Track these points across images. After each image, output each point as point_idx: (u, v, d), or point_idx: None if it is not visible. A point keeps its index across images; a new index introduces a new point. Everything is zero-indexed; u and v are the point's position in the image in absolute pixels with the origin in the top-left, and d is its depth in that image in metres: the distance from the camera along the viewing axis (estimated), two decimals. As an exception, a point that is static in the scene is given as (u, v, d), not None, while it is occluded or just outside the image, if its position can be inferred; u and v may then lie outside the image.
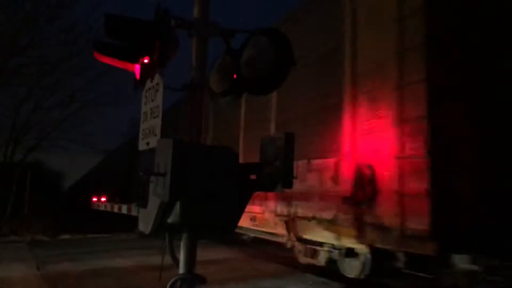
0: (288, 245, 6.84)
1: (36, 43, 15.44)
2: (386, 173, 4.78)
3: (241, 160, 2.77)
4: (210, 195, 2.53)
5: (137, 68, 3.02)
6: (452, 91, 4.52)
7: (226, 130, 9.38)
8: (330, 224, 5.58)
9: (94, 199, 17.44)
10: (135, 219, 9.34)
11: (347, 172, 5.39)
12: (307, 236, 6.33)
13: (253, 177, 2.84)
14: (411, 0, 4.74)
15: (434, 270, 5.11)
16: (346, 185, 5.38)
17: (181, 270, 2.74)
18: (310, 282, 6.47)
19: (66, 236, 13.22)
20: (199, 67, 2.92)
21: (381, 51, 5.05)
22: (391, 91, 4.81)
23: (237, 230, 8.32)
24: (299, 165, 6.16)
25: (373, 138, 5.04)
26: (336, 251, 6.00)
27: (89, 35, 14.78)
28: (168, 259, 2.86)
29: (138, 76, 3.04)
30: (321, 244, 6.29)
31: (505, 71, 4.94)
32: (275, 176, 2.70)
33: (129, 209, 12.78)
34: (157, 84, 2.97)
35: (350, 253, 5.79)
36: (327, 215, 5.61)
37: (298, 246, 6.71)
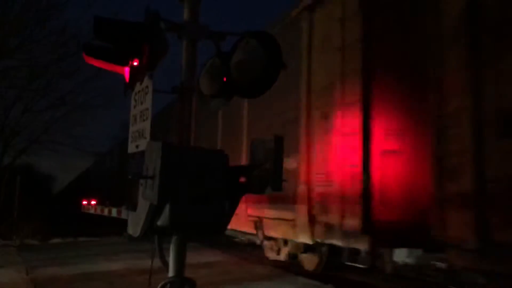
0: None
1: (26, 46, 15.35)
2: (334, 178, 5.53)
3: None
4: (200, 198, 2.53)
5: (126, 70, 3.01)
6: (384, 109, 5.25)
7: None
8: (292, 224, 6.38)
9: (84, 202, 17.34)
10: (125, 222, 9.29)
11: (304, 178, 6.15)
12: (274, 235, 7.25)
13: (243, 179, 2.84)
14: (350, 33, 5.45)
15: (368, 262, 5.87)
16: (302, 189, 6.14)
17: (171, 273, 2.74)
18: (301, 285, 6.47)
19: (56, 240, 13.12)
20: (189, 69, 2.93)
21: (330, 73, 5.78)
22: (336, 109, 5.58)
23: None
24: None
25: (325, 149, 5.78)
26: (296, 247, 7.01)
27: (80, 38, 14.71)
28: (158, 262, 2.85)
29: (127, 78, 3.03)
30: (284, 241, 7.29)
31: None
32: (265, 178, 2.70)
33: (119, 212, 12.73)
34: (147, 87, 2.97)
35: (309, 249, 6.76)
36: (289, 215, 6.43)
37: (265, 243, 7.84)
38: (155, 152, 2.51)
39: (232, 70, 2.88)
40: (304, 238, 6.15)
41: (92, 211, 16.11)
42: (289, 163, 6.22)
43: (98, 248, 11.19)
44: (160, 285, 2.70)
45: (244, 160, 7.09)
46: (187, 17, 2.95)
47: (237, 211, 8.00)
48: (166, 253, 2.83)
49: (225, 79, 2.93)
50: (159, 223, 2.56)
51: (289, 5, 7.37)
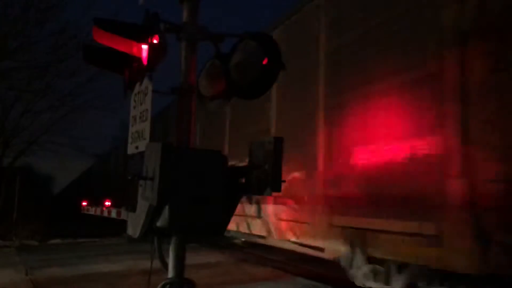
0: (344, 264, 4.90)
1: (26, 47, 15.35)
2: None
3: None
4: (199, 199, 2.53)
5: (126, 72, 3.01)
6: None
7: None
8: (429, 241, 3.77)
9: (84, 203, 17.35)
10: (125, 223, 9.29)
11: (459, 169, 3.51)
12: (384, 255, 4.46)
13: (242, 180, 2.84)
14: None
15: None
16: (457, 185, 3.55)
17: (170, 274, 2.74)
18: (301, 286, 6.47)
19: (56, 241, 13.12)
20: (188, 71, 2.93)
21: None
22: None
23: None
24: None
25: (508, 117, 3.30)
26: (421, 276, 4.21)
27: (79, 39, 14.71)
28: (157, 263, 2.85)
29: (127, 79, 3.04)
30: (403, 265, 4.36)
31: None
32: (264, 179, 2.70)
33: (118, 213, 12.73)
34: (146, 88, 2.97)
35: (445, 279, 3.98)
36: (425, 228, 3.82)
37: (365, 267, 4.71)
38: (154, 153, 2.51)
39: (231, 71, 2.88)
40: (463, 267, 3.55)
41: (91, 212, 16.11)
42: (421, 145, 3.86)
43: (98, 249, 11.19)
44: (159, 286, 2.70)
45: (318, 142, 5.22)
46: (186, 18, 2.96)
47: (309, 219, 5.56)
48: (165, 254, 2.84)
49: (224, 80, 2.93)
50: (158, 224, 2.56)
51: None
